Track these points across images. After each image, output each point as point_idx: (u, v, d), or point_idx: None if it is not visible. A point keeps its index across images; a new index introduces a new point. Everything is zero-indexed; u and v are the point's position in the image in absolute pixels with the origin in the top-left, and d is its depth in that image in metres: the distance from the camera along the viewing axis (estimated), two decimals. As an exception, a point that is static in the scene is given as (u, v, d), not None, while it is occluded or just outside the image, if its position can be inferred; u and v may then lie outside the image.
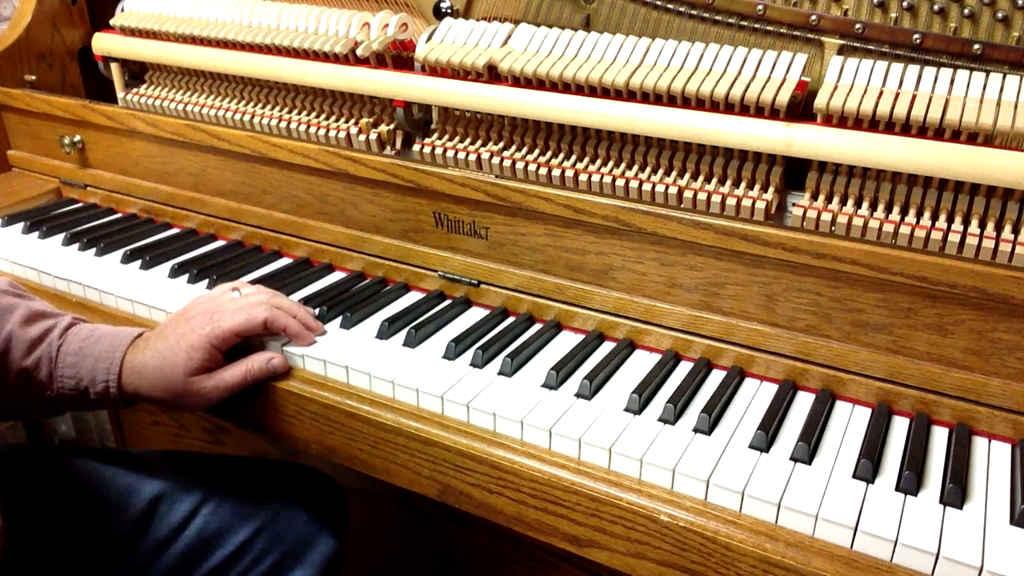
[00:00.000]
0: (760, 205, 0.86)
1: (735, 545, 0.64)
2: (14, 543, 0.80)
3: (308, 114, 1.16)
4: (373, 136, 1.08)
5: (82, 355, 0.80)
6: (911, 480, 0.66)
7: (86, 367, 0.80)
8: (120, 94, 1.34)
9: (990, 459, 0.71)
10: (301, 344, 0.86)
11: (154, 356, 0.79)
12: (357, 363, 0.82)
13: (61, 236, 1.14)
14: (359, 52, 1.05)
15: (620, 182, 0.93)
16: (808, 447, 0.70)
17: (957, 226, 0.79)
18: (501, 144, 1.02)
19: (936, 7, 0.84)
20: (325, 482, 1.00)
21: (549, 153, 0.99)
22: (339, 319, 0.91)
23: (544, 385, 0.80)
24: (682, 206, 0.89)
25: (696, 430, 0.73)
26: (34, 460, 0.91)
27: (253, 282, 0.93)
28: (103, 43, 1.31)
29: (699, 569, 0.66)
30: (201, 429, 1.55)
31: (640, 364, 0.84)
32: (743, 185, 0.89)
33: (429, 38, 1.03)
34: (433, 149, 1.04)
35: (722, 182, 0.90)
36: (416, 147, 1.06)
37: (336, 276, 1.04)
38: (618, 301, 0.87)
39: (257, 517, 0.90)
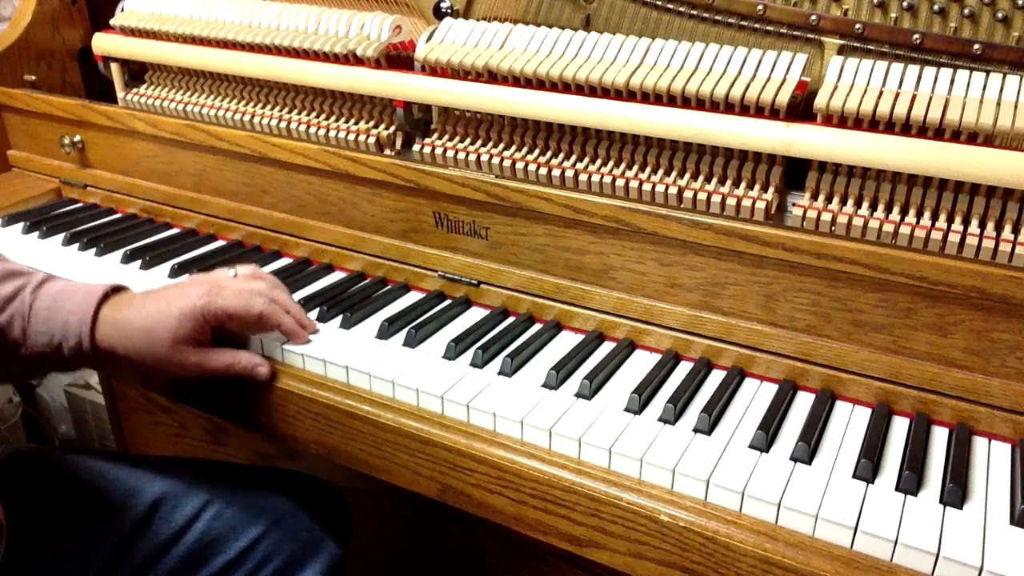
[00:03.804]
0: (760, 205, 0.86)
1: (735, 545, 0.64)
2: (15, 544, 0.80)
3: (308, 114, 1.16)
4: (372, 140, 1.08)
5: (54, 309, 0.77)
6: (911, 480, 0.66)
7: (58, 321, 0.77)
8: (120, 94, 1.34)
9: (990, 459, 0.71)
10: (295, 342, 0.86)
11: (140, 316, 0.77)
12: (357, 363, 0.82)
13: (61, 236, 1.14)
14: (359, 52, 1.05)
15: (620, 182, 0.93)
16: (808, 447, 0.70)
17: (957, 226, 0.79)
18: (501, 144, 1.02)
19: (936, 7, 0.84)
20: (327, 490, 1.00)
21: (549, 153, 0.99)
22: (339, 319, 0.91)
23: (544, 385, 0.80)
24: (682, 206, 0.89)
25: (696, 430, 0.73)
26: (35, 461, 0.91)
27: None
28: (103, 43, 1.31)
29: (699, 569, 0.66)
30: (202, 429, 1.55)
31: (640, 364, 0.84)
32: (743, 185, 0.89)
33: (429, 38, 1.03)
34: (433, 149, 1.04)
35: (722, 182, 0.90)
36: (416, 147, 1.06)
37: (336, 276, 1.04)
38: (618, 301, 0.87)
39: (260, 522, 0.90)
